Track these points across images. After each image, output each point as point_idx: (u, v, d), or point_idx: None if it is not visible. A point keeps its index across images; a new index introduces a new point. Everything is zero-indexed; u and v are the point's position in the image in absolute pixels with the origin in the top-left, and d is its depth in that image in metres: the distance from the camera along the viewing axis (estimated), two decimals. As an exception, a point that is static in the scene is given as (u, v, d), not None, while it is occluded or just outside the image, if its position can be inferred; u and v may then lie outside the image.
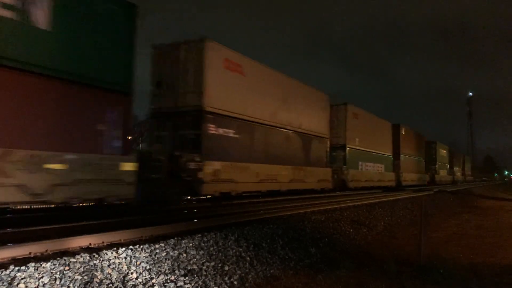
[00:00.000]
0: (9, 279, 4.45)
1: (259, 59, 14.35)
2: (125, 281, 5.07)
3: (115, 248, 5.83)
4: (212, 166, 11.43)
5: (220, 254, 6.67)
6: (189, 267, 5.90)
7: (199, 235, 7.16)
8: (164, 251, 6.14)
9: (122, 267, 5.35)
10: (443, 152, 45.42)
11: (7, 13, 6.35)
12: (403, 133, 30.00)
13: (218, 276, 5.92)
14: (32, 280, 4.52)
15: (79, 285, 4.71)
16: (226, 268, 6.26)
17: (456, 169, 54.82)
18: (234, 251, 6.94)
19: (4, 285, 4.36)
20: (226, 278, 5.94)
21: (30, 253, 5.24)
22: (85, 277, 4.87)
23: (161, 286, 5.19)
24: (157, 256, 5.93)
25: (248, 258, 6.85)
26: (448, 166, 48.07)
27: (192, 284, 5.45)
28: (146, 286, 5.11)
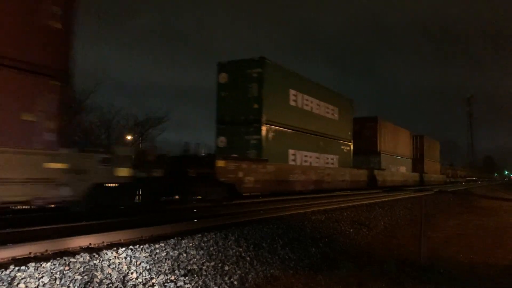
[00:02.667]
0: (9, 279, 4.45)
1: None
2: (125, 281, 5.07)
3: (115, 248, 5.83)
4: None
5: (220, 254, 6.67)
6: (189, 267, 5.90)
7: (199, 235, 7.15)
8: (164, 251, 6.14)
9: (122, 267, 5.34)
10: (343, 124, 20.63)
11: None
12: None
13: (218, 276, 5.92)
14: (32, 280, 4.52)
15: (79, 285, 4.71)
16: (226, 268, 6.26)
17: (402, 160, 29.79)
18: (234, 251, 6.94)
19: (4, 285, 4.36)
20: (226, 278, 5.94)
21: (30, 253, 5.24)
22: (85, 277, 4.87)
23: (161, 286, 5.19)
24: (157, 256, 5.93)
25: (248, 258, 6.85)
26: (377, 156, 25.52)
27: (192, 284, 5.45)
28: (146, 286, 5.11)
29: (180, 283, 5.37)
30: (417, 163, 33.65)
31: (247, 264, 6.65)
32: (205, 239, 7.03)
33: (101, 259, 5.38)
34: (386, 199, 18.25)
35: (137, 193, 9.25)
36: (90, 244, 5.95)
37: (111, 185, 8.02)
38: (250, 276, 6.29)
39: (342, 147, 20.58)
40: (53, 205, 9.11)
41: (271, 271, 6.72)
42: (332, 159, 19.22)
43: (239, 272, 6.27)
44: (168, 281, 5.35)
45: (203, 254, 6.46)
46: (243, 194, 12.46)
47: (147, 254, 5.87)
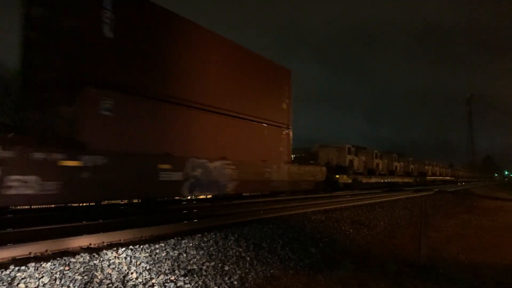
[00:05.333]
0: (9, 279, 4.45)
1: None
2: (125, 281, 5.07)
3: (115, 248, 5.83)
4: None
5: (220, 254, 6.67)
6: (189, 267, 5.90)
7: (199, 235, 7.15)
8: (164, 251, 6.14)
9: (122, 267, 5.34)
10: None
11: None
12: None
13: (218, 276, 5.92)
14: (32, 280, 4.52)
15: (79, 285, 4.71)
16: (226, 268, 6.26)
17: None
18: (234, 251, 6.94)
19: (4, 285, 4.36)
20: (226, 278, 5.94)
21: (30, 253, 5.24)
22: (85, 277, 4.87)
23: (161, 286, 5.19)
24: (157, 256, 5.93)
25: (248, 258, 6.85)
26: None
27: (192, 284, 5.45)
28: (146, 286, 5.10)
29: (180, 283, 5.37)
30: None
31: (247, 264, 6.65)
32: (205, 239, 7.03)
33: (101, 259, 5.38)
34: (386, 199, 18.26)
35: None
36: (90, 244, 5.95)
37: None
38: (250, 276, 6.28)
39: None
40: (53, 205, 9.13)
41: (271, 271, 6.72)
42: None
43: (239, 272, 6.27)
44: (168, 281, 5.35)
45: (203, 254, 6.46)
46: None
47: (147, 254, 5.87)
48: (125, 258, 5.58)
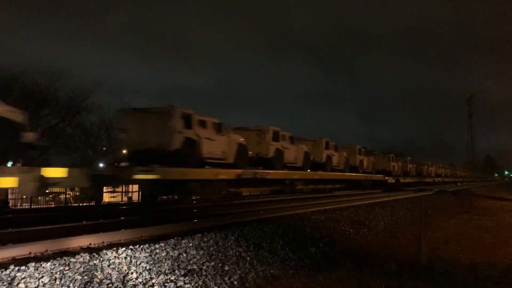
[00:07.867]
0: (9, 279, 4.44)
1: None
2: (125, 281, 5.07)
3: (115, 248, 5.82)
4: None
5: (220, 254, 6.67)
6: (189, 267, 5.90)
7: (199, 235, 7.15)
8: (164, 251, 6.14)
9: (122, 267, 5.34)
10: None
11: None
12: None
13: (218, 276, 5.92)
14: (32, 280, 4.52)
15: (79, 285, 4.71)
16: (226, 268, 6.26)
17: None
18: (234, 251, 6.94)
19: (4, 285, 4.35)
20: (226, 278, 5.94)
21: (30, 253, 5.24)
22: (85, 277, 4.87)
23: (161, 286, 5.19)
24: (157, 256, 5.93)
25: (248, 258, 6.85)
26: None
27: (192, 284, 5.45)
28: (146, 286, 5.10)
29: (180, 283, 5.37)
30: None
31: (247, 264, 6.65)
32: (205, 239, 7.02)
33: (101, 259, 5.37)
34: (386, 199, 18.25)
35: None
36: (90, 244, 5.95)
37: None
38: (250, 276, 6.29)
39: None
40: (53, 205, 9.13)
41: (271, 271, 6.72)
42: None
43: (239, 272, 6.27)
44: (168, 281, 5.35)
45: (203, 254, 6.45)
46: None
47: (147, 254, 5.87)
48: (125, 258, 5.58)
